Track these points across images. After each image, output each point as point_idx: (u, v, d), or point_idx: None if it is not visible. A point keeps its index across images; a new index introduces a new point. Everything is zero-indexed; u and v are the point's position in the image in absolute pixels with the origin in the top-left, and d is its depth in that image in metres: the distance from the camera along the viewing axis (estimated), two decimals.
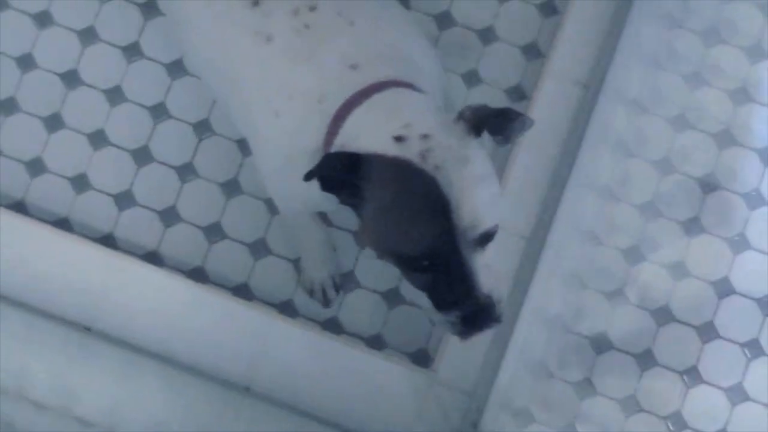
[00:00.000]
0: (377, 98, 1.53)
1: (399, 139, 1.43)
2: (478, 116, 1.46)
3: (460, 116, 1.47)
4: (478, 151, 1.45)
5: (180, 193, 2.21)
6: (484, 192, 1.42)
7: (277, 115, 1.62)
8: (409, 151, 1.42)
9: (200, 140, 2.22)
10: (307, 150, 1.59)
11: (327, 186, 1.46)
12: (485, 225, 1.41)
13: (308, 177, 1.43)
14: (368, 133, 1.47)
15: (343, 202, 1.50)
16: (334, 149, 1.53)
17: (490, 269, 1.44)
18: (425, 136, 1.43)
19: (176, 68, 2.22)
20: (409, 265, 1.45)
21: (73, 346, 2.07)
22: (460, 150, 1.42)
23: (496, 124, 1.45)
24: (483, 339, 2.11)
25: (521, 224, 2.13)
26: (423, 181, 1.41)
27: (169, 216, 2.20)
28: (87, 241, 2.16)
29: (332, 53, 1.59)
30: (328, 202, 1.65)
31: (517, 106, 2.17)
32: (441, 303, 1.45)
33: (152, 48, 2.23)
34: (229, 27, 1.67)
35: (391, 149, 1.43)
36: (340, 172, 1.43)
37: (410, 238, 1.42)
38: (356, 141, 1.48)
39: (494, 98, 2.21)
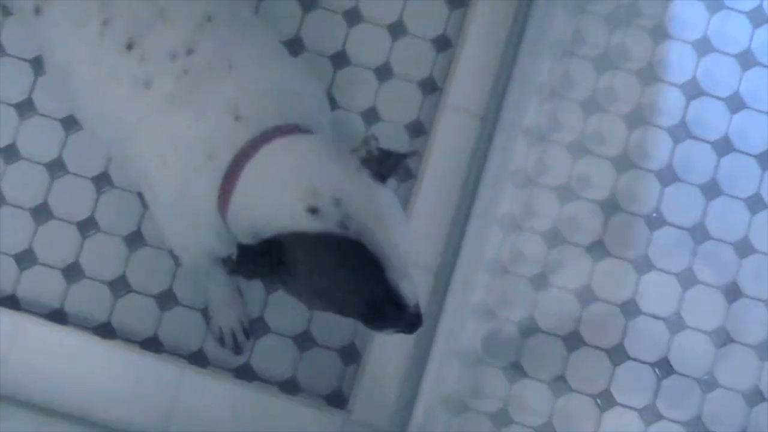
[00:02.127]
0: (267, 153, 1.50)
1: (313, 211, 1.42)
2: (384, 166, 1.47)
3: (364, 162, 1.46)
4: (388, 198, 1.46)
5: (82, 248, 2.17)
6: (402, 234, 1.45)
7: (165, 164, 1.59)
8: (329, 223, 1.41)
9: (100, 194, 2.19)
10: (202, 207, 1.57)
11: (251, 277, 1.45)
12: (409, 258, 1.45)
13: (233, 272, 1.42)
14: (273, 204, 1.45)
15: (269, 286, 1.49)
16: (233, 217, 1.51)
17: (411, 281, 1.46)
18: (338, 202, 1.42)
19: (71, 122, 2.19)
20: (348, 315, 1.48)
21: None
22: (372, 205, 1.43)
23: (396, 168, 1.48)
24: (396, 376, 2.11)
25: (428, 258, 2.13)
26: (351, 249, 1.42)
27: (73, 272, 2.17)
28: None
29: (214, 102, 1.56)
30: (226, 247, 1.64)
31: (417, 141, 2.19)
32: (379, 327, 1.49)
33: (45, 104, 2.20)
34: (107, 73, 1.63)
35: (309, 225, 1.42)
36: (263, 264, 1.42)
37: (351, 301, 1.44)
38: (263, 216, 1.46)
39: (394, 134, 2.21)
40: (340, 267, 1.42)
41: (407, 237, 1.46)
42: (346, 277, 1.43)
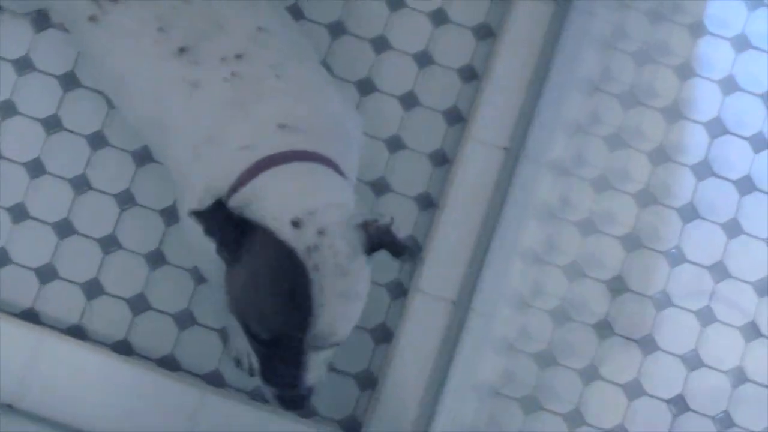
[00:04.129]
0: (296, 167, 1.54)
1: (296, 224, 1.43)
2: (381, 241, 1.47)
3: (364, 226, 1.47)
4: (363, 270, 1.46)
5: (102, 264, 2.18)
6: (347, 310, 1.45)
7: (199, 158, 1.62)
8: (299, 242, 1.43)
9: (122, 210, 2.19)
10: (216, 192, 1.57)
11: (209, 231, 1.44)
12: (334, 339, 1.45)
13: (197, 214, 1.43)
14: (270, 203, 1.47)
15: (218, 252, 1.49)
16: (232, 202, 1.52)
17: (321, 366, 1.49)
18: (321, 232, 1.43)
19: (97, 139, 2.20)
20: (253, 335, 1.47)
21: None
22: (345, 260, 1.44)
23: (393, 251, 1.48)
24: (412, 404, 2.11)
25: (447, 289, 2.13)
26: (298, 276, 1.42)
27: (92, 288, 2.18)
28: (7, 316, 2.12)
29: (262, 109, 1.59)
30: None
31: (439, 171, 2.19)
32: (267, 377, 1.50)
33: (72, 120, 2.21)
34: (159, 78, 1.67)
35: (283, 230, 1.43)
36: (225, 229, 1.43)
37: (264, 320, 1.44)
38: (255, 203, 1.47)
39: (417, 162, 2.22)
40: (281, 282, 1.42)
41: (351, 317, 1.46)
42: (273, 293, 1.43)
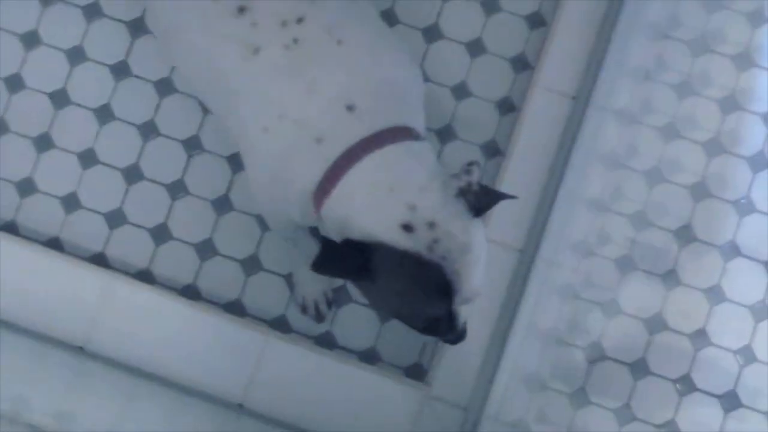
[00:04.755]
0: (378, 158, 1.55)
1: (407, 228, 1.48)
2: (483, 202, 1.52)
3: (464, 193, 1.51)
4: (478, 234, 1.52)
5: (171, 210, 2.21)
6: (479, 272, 1.52)
7: (266, 131, 1.61)
8: (419, 244, 1.48)
9: (190, 157, 2.21)
10: (298, 185, 1.60)
11: (332, 274, 1.54)
12: (477, 295, 1.54)
13: (317, 269, 1.48)
14: (372, 213, 1.51)
15: (354, 284, 1.58)
16: (328, 209, 1.56)
17: (468, 306, 1.56)
18: (431, 225, 1.48)
19: (165, 86, 2.22)
20: (407, 324, 1.59)
21: (68, 368, 2.07)
22: (463, 237, 1.49)
23: (492, 206, 1.54)
24: (476, 353, 2.11)
25: (513, 237, 2.13)
26: (431, 271, 1.48)
27: (161, 234, 2.20)
28: (78, 260, 2.15)
29: (326, 84, 1.58)
30: (309, 222, 1.66)
31: (506, 119, 2.18)
32: (430, 334, 1.59)
33: (140, 66, 2.22)
34: (215, 36, 1.66)
35: (400, 240, 1.48)
36: (348, 265, 1.50)
37: (418, 316, 1.55)
38: (359, 220, 1.51)
39: (483, 110, 2.21)
40: (417, 286, 1.50)
41: (483, 272, 1.53)
42: (418, 297, 1.51)
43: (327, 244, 1.49)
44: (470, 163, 1.54)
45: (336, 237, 1.56)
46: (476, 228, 1.52)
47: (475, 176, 1.52)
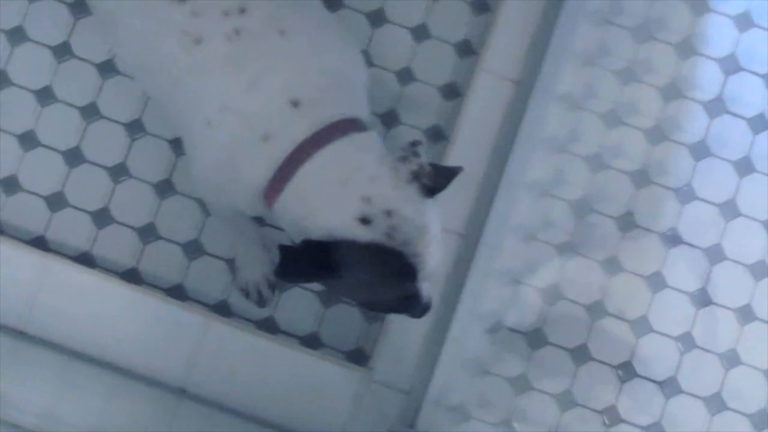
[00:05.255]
0: (327, 154, 1.55)
1: (364, 221, 1.49)
2: (437, 182, 1.54)
3: (415, 176, 1.53)
4: (433, 214, 1.55)
5: (113, 193, 2.19)
6: (438, 249, 1.55)
7: (209, 124, 1.61)
8: (378, 234, 1.50)
9: (133, 140, 2.19)
10: (246, 184, 1.60)
11: (297, 280, 1.63)
12: (438, 269, 1.58)
13: (282, 276, 1.52)
14: (327, 210, 1.52)
15: (312, 281, 1.60)
16: (279, 207, 1.57)
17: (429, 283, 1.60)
18: (388, 213, 1.50)
19: (107, 68, 2.20)
20: (377, 310, 1.68)
21: (6, 350, 2.04)
22: (419, 220, 1.52)
23: (447, 184, 1.56)
24: (418, 337, 2.11)
25: (456, 222, 2.13)
26: (393, 258, 1.51)
27: (102, 217, 2.18)
28: (18, 242, 2.13)
29: (268, 78, 1.58)
30: (256, 207, 1.65)
31: (450, 103, 2.18)
32: (397, 312, 1.63)
33: (82, 47, 2.20)
34: (156, 24, 1.64)
35: (360, 234, 1.50)
36: (311, 268, 1.51)
37: (386, 301, 1.59)
38: (315, 219, 1.52)
39: (428, 95, 2.21)
40: (382, 275, 1.52)
41: (441, 249, 1.56)
42: (385, 285, 1.53)
43: (287, 251, 1.51)
44: (413, 143, 1.55)
45: (293, 234, 1.58)
46: (430, 208, 1.54)
47: (423, 157, 1.54)
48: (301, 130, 1.56)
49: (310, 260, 1.50)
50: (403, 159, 1.54)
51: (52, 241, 2.18)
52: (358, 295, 1.61)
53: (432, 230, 1.53)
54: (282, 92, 1.57)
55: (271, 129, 1.56)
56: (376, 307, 1.65)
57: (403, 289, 1.56)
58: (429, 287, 1.62)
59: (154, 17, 1.64)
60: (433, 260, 1.55)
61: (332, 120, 1.57)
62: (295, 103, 1.56)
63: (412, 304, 1.61)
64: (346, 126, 1.58)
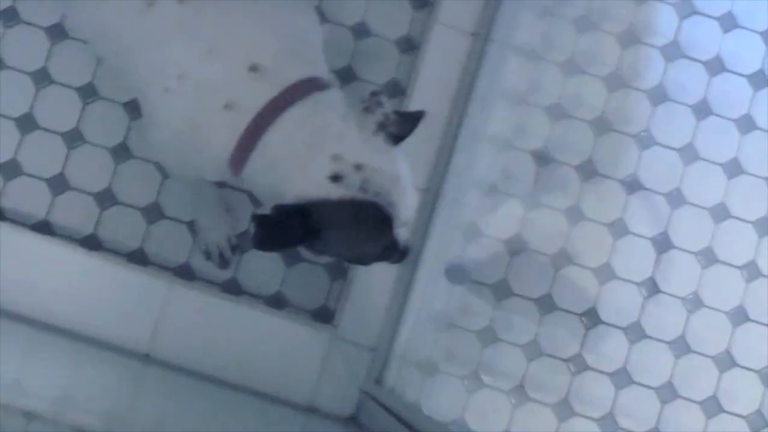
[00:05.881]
0: (291, 117, 1.53)
1: (336, 178, 1.49)
2: (401, 130, 1.54)
3: (381, 126, 1.52)
4: (402, 161, 1.55)
5: (67, 159, 2.16)
6: (411, 195, 1.55)
7: (167, 91, 1.58)
8: (351, 189, 1.49)
9: (85, 105, 2.16)
10: (210, 152, 1.58)
11: (277, 249, 1.62)
12: (413, 214, 1.58)
13: (262, 247, 1.48)
14: (298, 173, 1.51)
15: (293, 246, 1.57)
16: (247, 173, 1.56)
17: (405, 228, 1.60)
18: (358, 167, 1.49)
19: (57, 32, 2.15)
20: (359, 264, 1.65)
21: None
22: (390, 169, 1.52)
23: (412, 131, 1.56)
24: (383, 293, 2.11)
25: (417, 176, 2.11)
26: (369, 211, 1.51)
27: (58, 184, 2.15)
28: None
29: (225, 43, 1.56)
30: (220, 173, 1.63)
31: (406, 57, 2.16)
32: (378, 261, 1.62)
33: (30, 12, 2.16)
34: None
35: (333, 191, 1.49)
36: (292, 234, 1.50)
37: (366, 253, 1.58)
38: (287, 183, 1.51)
39: (384, 50, 2.19)
40: (360, 227, 1.52)
41: (414, 194, 1.56)
42: (364, 238, 1.54)
43: (262, 219, 1.49)
44: (374, 93, 1.55)
45: (264, 199, 1.57)
46: (399, 156, 1.54)
47: (386, 106, 1.53)
48: (262, 95, 1.54)
49: (288, 226, 1.50)
50: (367, 110, 1.53)
51: (8, 210, 2.15)
52: (341, 251, 1.59)
53: (403, 177, 1.53)
54: (240, 58, 1.55)
55: (232, 96, 1.54)
56: (361, 261, 1.64)
57: (383, 240, 1.56)
58: (405, 232, 1.63)
59: None
60: (408, 206, 1.55)
61: (292, 81, 1.55)
62: (254, 68, 1.54)
63: (391, 252, 1.60)
64: (307, 86, 1.56)
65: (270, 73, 1.55)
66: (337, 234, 1.52)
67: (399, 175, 1.53)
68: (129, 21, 1.60)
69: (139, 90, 1.67)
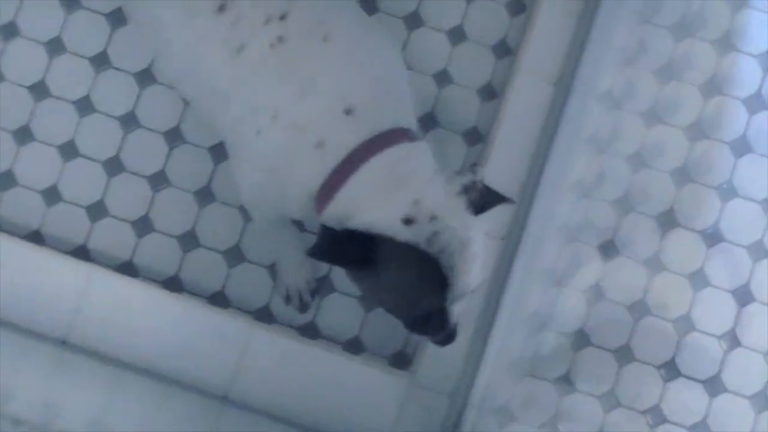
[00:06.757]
0: (381, 161, 1.55)
1: (408, 221, 1.49)
2: (486, 200, 1.54)
3: (466, 191, 1.52)
4: (478, 230, 1.53)
5: (152, 202, 2.19)
6: (476, 269, 1.53)
7: (259, 134, 1.61)
8: (419, 236, 1.49)
9: (171, 149, 2.20)
10: (298, 189, 1.61)
11: (330, 261, 1.56)
12: (471, 291, 1.55)
13: (316, 255, 1.49)
14: (375, 208, 1.52)
15: (350, 274, 1.57)
16: (330, 212, 1.57)
17: (461, 304, 1.57)
18: (433, 218, 1.49)
19: (145, 77, 2.20)
20: (399, 318, 1.59)
21: (51, 360, 2.05)
22: (462, 232, 1.51)
23: (493, 207, 1.56)
24: (461, 340, 2.10)
25: (497, 225, 2.12)
26: (427, 264, 1.49)
27: (142, 226, 2.19)
28: (59, 253, 2.14)
29: (322, 87, 1.58)
30: (305, 210, 1.65)
31: (488, 105, 2.17)
32: (420, 332, 1.60)
33: (120, 57, 2.21)
34: (196, 35, 1.65)
35: (401, 233, 1.49)
36: (349, 253, 1.50)
37: (411, 308, 1.54)
38: (362, 214, 1.52)
39: (465, 98, 2.20)
40: (414, 278, 1.50)
41: (479, 271, 1.53)
42: (414, 289, 1.51)
43: (327, 232, 1.50)
44: (474, 164, 1.56)
45: (335, 226, 1.56)
46: (476, 226, 1.53)
47: (479, 175, 1.54)
48: (354, 136, 1.56)
49: (349, 246, 1.50)
50: (459, 172, 1.55)
51: (94, 251, 2.18)
52: (384, 294, 1.57)
53: (473, 246, 1.52)
54: (335, 99, 1.57)
55: (325, 136, 1.56)
56: (400, 314, 1.60)
57: (430, 300, 1.53)
58: (458, 313, 1.59)
59: (193, 30, 1.65)
60: (469, 277, 1.53)
61: (385, 128, 1.57)
62: (348, 111, 1.57)
63: (437, 326, 1.58)
64: (399, 135, 1.58)
65: (364, 117, 1.57)
66: (388, 273, 1.51)
67: (470, 242, 1.52)
68: (220, 66, 1.63)
69: (227, 132, 1.70)
